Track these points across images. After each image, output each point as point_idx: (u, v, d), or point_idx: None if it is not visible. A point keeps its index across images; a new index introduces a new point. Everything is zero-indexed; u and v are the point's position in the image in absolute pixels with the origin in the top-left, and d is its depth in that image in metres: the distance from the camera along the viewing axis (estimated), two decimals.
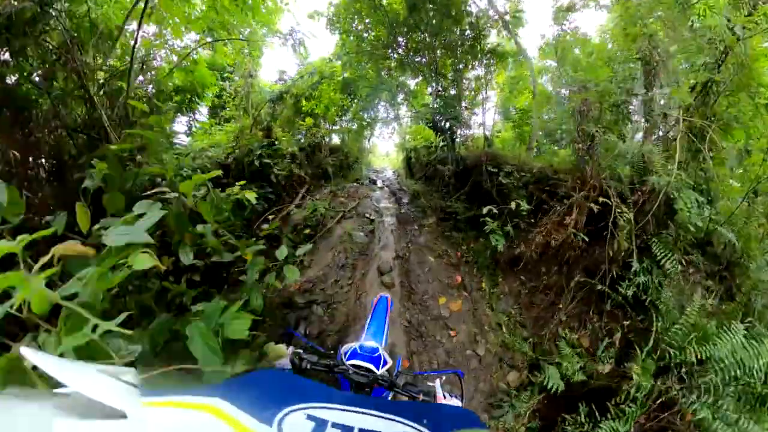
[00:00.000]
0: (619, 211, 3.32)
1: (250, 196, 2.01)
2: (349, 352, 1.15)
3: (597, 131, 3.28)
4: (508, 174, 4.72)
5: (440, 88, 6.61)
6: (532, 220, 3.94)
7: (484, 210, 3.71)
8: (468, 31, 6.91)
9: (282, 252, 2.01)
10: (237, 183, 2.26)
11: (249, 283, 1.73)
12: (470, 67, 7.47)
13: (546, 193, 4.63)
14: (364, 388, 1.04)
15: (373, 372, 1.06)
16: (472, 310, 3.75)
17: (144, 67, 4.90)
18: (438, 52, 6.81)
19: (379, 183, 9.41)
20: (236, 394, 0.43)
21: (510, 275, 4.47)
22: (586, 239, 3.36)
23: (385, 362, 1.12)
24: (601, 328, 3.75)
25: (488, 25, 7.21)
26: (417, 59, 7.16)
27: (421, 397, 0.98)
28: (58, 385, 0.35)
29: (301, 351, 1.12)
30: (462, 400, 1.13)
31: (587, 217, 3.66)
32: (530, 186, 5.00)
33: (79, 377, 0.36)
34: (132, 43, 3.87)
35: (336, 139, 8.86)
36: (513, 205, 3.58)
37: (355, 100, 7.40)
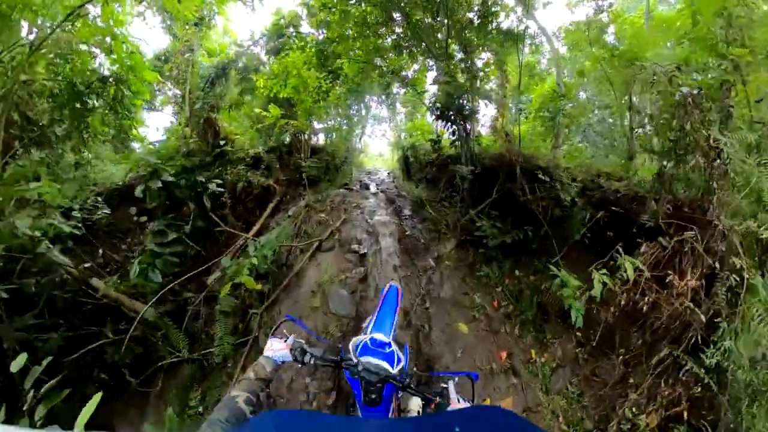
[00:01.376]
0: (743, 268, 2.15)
1: None
2: (360, 346, 1.06)
3: (729, 141, 2.04)
4: (562, 183, 3.45)
5: (447, 71, 5.19)
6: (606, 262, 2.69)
7: (596, 275, 2.36)
8: (477, 7, 5.62)
9: None
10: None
11: None
12: (481, 48, 6.15)
13: (605, 211, 3.38)
14: (374, 385, 0.99)
15: (387, 370, 0.99)
16: (526, 407, 2.53)
17: (33, 47, 3.34)
18: (441, 34, 5.43)
19: (373, 187, 7.98)
20: None
21: (562, 331, 3.29)
22: (704, 318, 2.18)
23: (399, 360, 1.05)
24: (668, 396, 2.80)
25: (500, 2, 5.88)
26: (417, 41, 5.75)
27: (438, 400, 0.97)
28: None
29: (302, 342, 1.09)
30: (472, 404, 1.04)
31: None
32: (579, 200, 3.77)
33: None
34: None
35: (322, 138, 7.47)
36: (627, 268, 2.28)
37: (338, 81, 5.69)
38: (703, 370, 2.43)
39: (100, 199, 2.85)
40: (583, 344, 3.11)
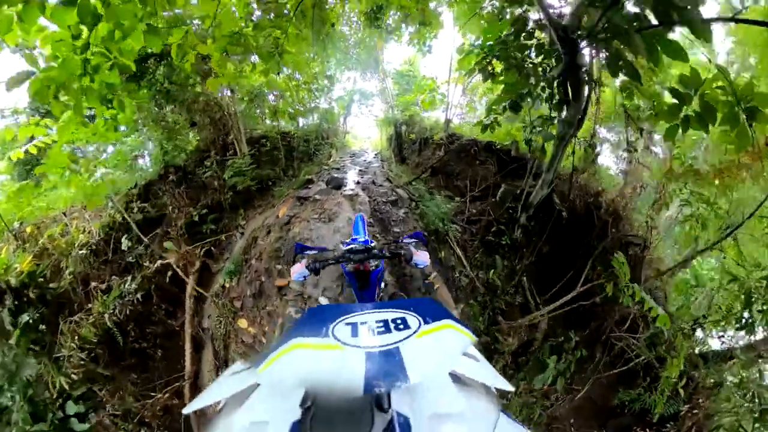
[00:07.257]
0: None
1: None
2: (348, 243, 1.63)
3: None
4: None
5: None
6: None
7: None
8: None
9: None
10: None
11: None
12: None
13: None
14: (361, 262, 1.51)
15: (366, 246, 1.51)
16: None
17: None
18: None
19: (351, 181, 5.04)
20: (304, 329, 0.64)
21: None
22: None
23: (372, 243, 1.63)
24: None
25: None
26: None
27: (402, 251, 1.46)
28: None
29: (314, 255, 1.56)
30: (428, 250, 1.52)
31: None
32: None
33: (220, 390, 0.53)
34: None
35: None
36: None
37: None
38: None
39: None
40: None
